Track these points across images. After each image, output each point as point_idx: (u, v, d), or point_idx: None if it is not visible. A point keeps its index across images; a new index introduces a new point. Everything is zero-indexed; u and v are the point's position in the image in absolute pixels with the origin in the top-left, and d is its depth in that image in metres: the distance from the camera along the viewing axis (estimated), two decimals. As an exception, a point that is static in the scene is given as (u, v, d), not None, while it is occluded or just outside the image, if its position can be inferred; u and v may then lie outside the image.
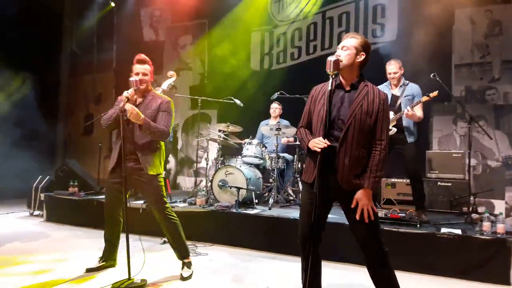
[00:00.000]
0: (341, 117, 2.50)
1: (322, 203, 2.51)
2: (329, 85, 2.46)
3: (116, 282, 3.18)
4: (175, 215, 3.58)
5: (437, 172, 5.61)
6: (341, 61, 2.48)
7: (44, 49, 8.98)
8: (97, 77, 10.12)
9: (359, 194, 2.44)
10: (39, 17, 8.62)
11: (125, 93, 3.23)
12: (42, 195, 6.24)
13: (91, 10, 9.77)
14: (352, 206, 2.45)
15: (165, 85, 5.52)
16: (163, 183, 3.54)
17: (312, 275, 2.51)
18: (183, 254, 3.63)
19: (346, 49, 2.54)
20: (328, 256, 3.92)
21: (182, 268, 3.60)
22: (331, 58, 2.44)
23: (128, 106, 3.19)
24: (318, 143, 2.41)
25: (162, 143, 3.61)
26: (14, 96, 8.23)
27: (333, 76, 2.47)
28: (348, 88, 2.56)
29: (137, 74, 3.43)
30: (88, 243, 4.74)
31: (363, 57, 2.55)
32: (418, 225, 4.08)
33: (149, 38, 9.40)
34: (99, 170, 7.09)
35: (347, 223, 2.61)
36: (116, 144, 3.47)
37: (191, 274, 3.58)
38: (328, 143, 2.39)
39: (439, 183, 5.49)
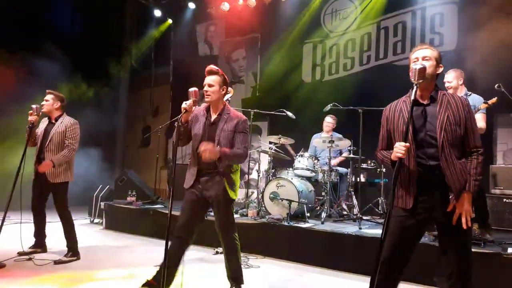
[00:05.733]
0: (429, 133, 2.37)
1: (418, 228, 2.43)
2: (412, 94, 2.31)
3: None
4: (238, 239, 3.38)
5: (502, 188, 5.28)
6: (426, 71, 2.35)
7: (105, 64, 9.52)
8: (155, 91, 10.55)
9: (460, 199, 2.31)
10: (101, 35, 9.17)
11: (183, 104, 3.02)
12: (102, 204, 6.56)
13: (149, 27, 10.26)
14: (448, 210, 2.32)
15: (223, 100, 5.63)
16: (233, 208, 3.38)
17: None
18: (236, 278, 3.36)
19: (429, 59, 2.42)
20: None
21: None
22: (416, 67, 2.32)
23: (203, 147, 2.98)
24: (399, 148, 2.25)
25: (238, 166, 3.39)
26: (77, 109, 8.76)
27: (417, 85, 2.33)
28: (427, 101, 2.43)
29: (205, 86, 3.22)
30: (142, 252, 4.89)
31: (441, 69, 2.47)
32: (482, 244, 3.84)
33: (204, 53, 9.69)
34: (156, 180, 7.34)
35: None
36: (191, 165, 3.27)
37: None
38: (407, 144, 2.26)
39: (504, 199, 5.16)
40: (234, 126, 3.21)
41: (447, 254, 2.36)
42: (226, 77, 3.28)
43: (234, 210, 3.40)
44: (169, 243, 2.79)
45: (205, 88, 3.19)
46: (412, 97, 2.31)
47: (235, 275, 3.37)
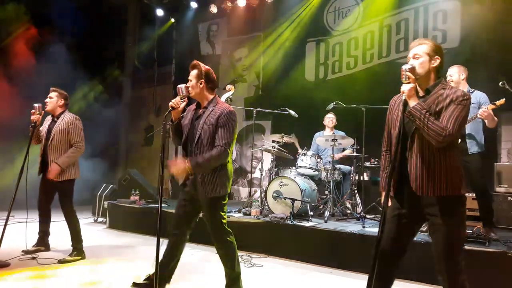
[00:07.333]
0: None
1: (410, 220, 2.42)
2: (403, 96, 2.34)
3: None
4: (233, 238, 3.18)
5: (506, 186, 5.25)
6: (415, 70, 2.35)
7: (109, 64, 9.54)
8: (157, 90, 10.56)
9: None
10: (104, 34, 9.18)
11: (170, 103, 3.03)
12: (106, 203, 6.57)
13: (152, 26, 10.26)
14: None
15: (223, 98, 5.63)
16: (224, 206, 3.16)
17: None
18: (231, 282, 3.17)
19: (419, 56, 2.41)
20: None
21: None
22: (405, 67, 2.32)
23: (173, 167, 3.02)
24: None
25: (229, 159, 3.20)
26: (80, 108, 8.79)
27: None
28: (422, 94, 2.42)
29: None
30: (145, 251, 4.89)
31: (438, 61, 2.41)
32: (487, 243, 3.81)
33: (206, 52, 9.68)
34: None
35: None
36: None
37: None
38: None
39: (509, 198, 5.13)
40: (216, 120, 3.07)
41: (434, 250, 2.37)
42: (205, 69, 3.17)
43: (223, 212, 3.14)
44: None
45: (188, 83, 3.15)
46: (403, 98, 2.32)
47: (231, 282, 3.16)
